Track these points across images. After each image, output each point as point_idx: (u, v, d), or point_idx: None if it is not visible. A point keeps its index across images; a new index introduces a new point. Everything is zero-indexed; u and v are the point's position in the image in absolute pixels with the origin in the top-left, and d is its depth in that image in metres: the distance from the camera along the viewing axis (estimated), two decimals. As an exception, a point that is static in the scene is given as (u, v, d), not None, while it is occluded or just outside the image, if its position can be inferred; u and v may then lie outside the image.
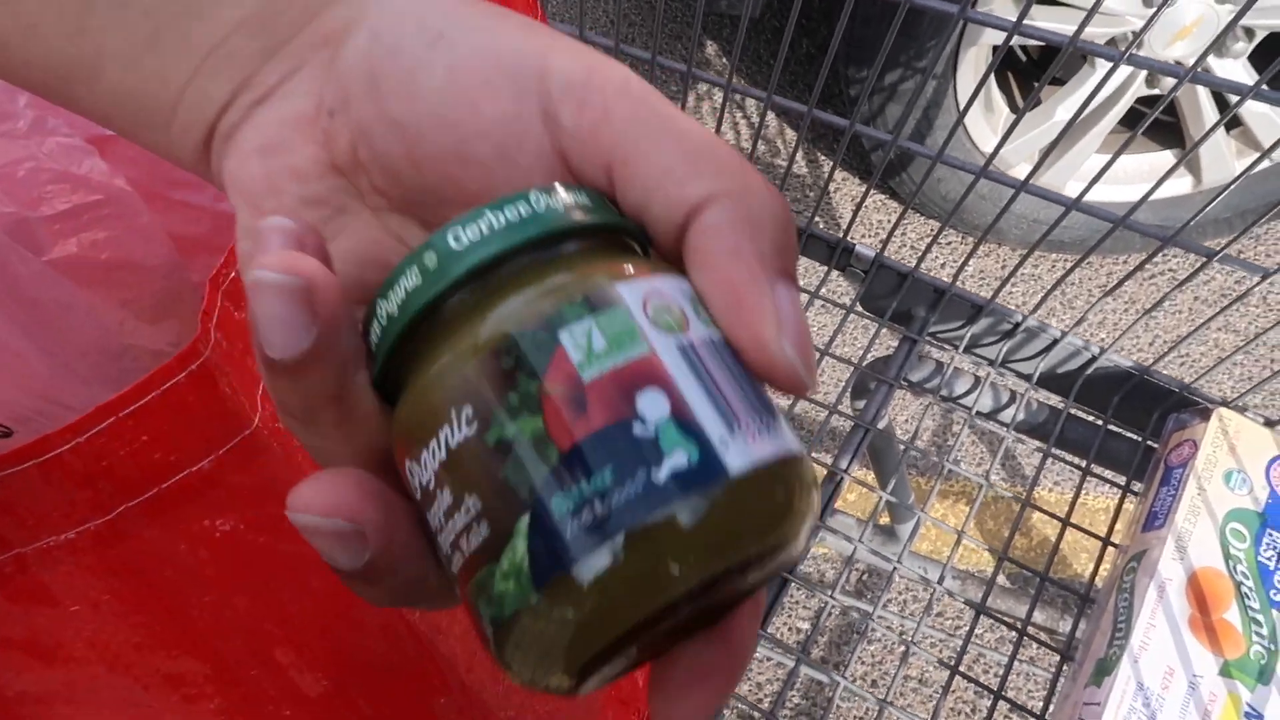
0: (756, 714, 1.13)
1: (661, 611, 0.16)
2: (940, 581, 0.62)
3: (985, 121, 1.33)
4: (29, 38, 0.19)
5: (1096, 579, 0.61)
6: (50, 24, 0.19)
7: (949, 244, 1.52)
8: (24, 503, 0.22)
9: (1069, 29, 0.51)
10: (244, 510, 0.25)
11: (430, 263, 0.17)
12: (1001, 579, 1.22)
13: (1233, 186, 0.53)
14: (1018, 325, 0.69)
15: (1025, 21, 0.51)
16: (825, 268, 0.73)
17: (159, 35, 0.19)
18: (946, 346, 0.72)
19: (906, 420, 1.34)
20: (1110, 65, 0.51)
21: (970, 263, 1.49)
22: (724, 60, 1.75)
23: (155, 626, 0.26)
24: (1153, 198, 1.33)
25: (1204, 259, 0.57)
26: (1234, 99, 0.49)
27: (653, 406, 0.16)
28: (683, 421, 0.16)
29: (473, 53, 0.19)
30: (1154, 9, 0.51)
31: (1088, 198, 0.58)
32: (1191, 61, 0.49)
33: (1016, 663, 0.60)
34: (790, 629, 1.20)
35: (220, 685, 0.28)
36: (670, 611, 0.16)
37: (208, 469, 0.24)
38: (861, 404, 0.71)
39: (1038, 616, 0.94)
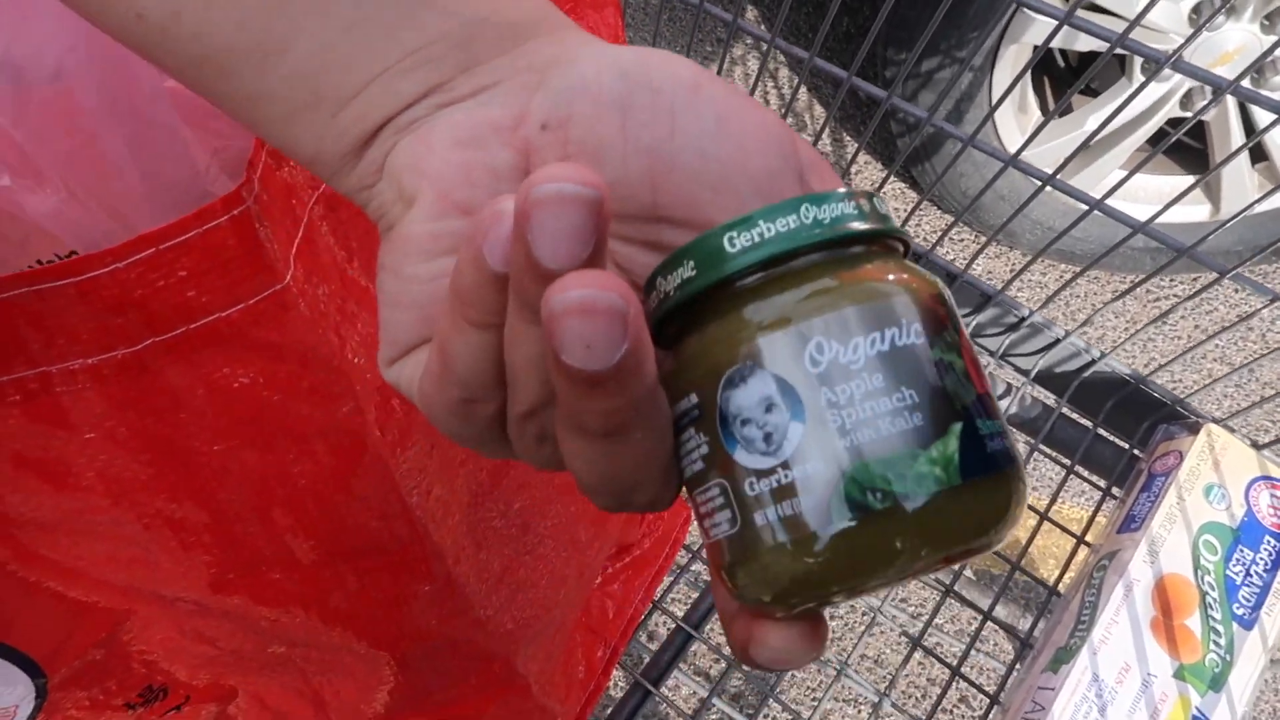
0: (713, 670, 1.15)
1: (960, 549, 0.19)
2: (913, 557, 0.63)
3: (1016, 122, 1.32)
4: (211, 6, 0.19)
5: (1064, 580, 0.62)
6: None
7: (961, 240, 1.52)
8: (57, 321, 0.23)
9: (1116, 32, 0.51)
10: (264, 365, 0.26)
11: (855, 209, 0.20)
12: (969, 573, 1.23)
13: (1248, 215, 0.53)
14: (1023, 319, 0.69)
15: (1076, 14, 0.51)
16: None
17: (361, 26, 0.20)
18: (950, 332, 0.73)
19: (896, 409, 1.35)
20: (1148, 72, 0.51)
21: (979, 262, 1.50)
22: (764, 27, 1.74)
23: (163, 465, 0.26)
24: (1171, 221, 1.34)
25: (1215, 275, 0.58)
26: (1262, 125, 0.49)
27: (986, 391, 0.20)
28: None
29: (738, 110, 0.22)
30: (1197, 26, 0.51)
31: (1110, 205, 0.58)
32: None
33: (973, 653, 0.61)
34: (755, 596, 1.22)
35: (216, 536, 0.29)
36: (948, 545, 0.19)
37: (235, 317, 0.24)
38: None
39: (1000, 612, 0.95)
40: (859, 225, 0.20)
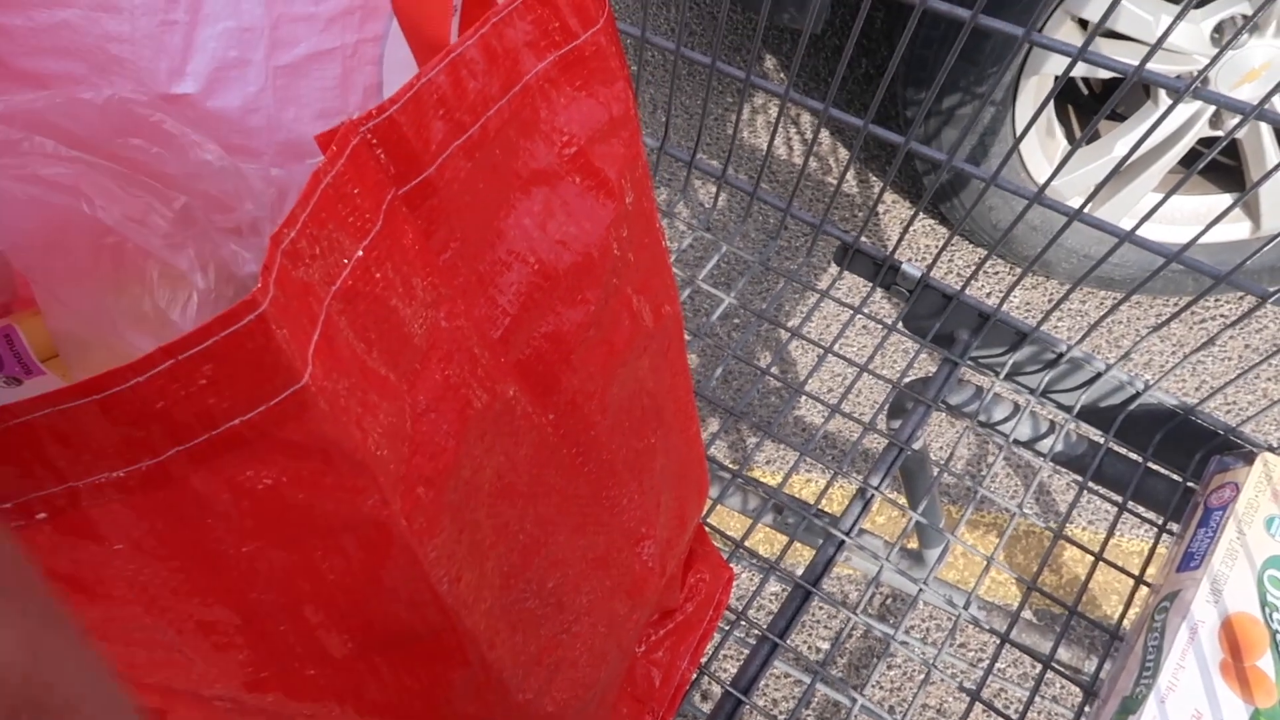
0: (768, 730, 1.12)
1: None
2: (966, 608, 0.61)
3: (1042, 152, 1.31)
4: None
5: (1126, 619, 0.60)
6: None
7: (996, 273, 1.50)
8: (82, 437, 0.23)
9: (1134, 64, 0.50)
10: (287, 464, 0.26)
11: None
12: (1028, 614, 1.20)
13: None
14: (1061, 355, 0.68)
15: (1090, 49, 0.51)
16: (869, 284, 0.73)
17: None
18: (987, 372, 0.72)
19: (941, 447, 1.33)
20: (1173, 98, 0.50)
21: (1016, 294, 1.48)
22: (782, 75, 1.75)
23: (192, 572, 0.27)
24: (1211, 241, 1.32)
25: (1259, 300, 0.56)
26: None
27: None
28: None
29: None
30: (1220, 48, 0.50)
31: (1142, 236, 0.57)
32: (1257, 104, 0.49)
33: (1038, 699, 0.59)
34: (810, 647, 1.19)
35: (250, 636, 0.29)
36: None
37: (256, 420, 0.24)
38: (897, 423, 0.71)
39: (1063, 654, 0.92)
40: None
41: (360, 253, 0.28)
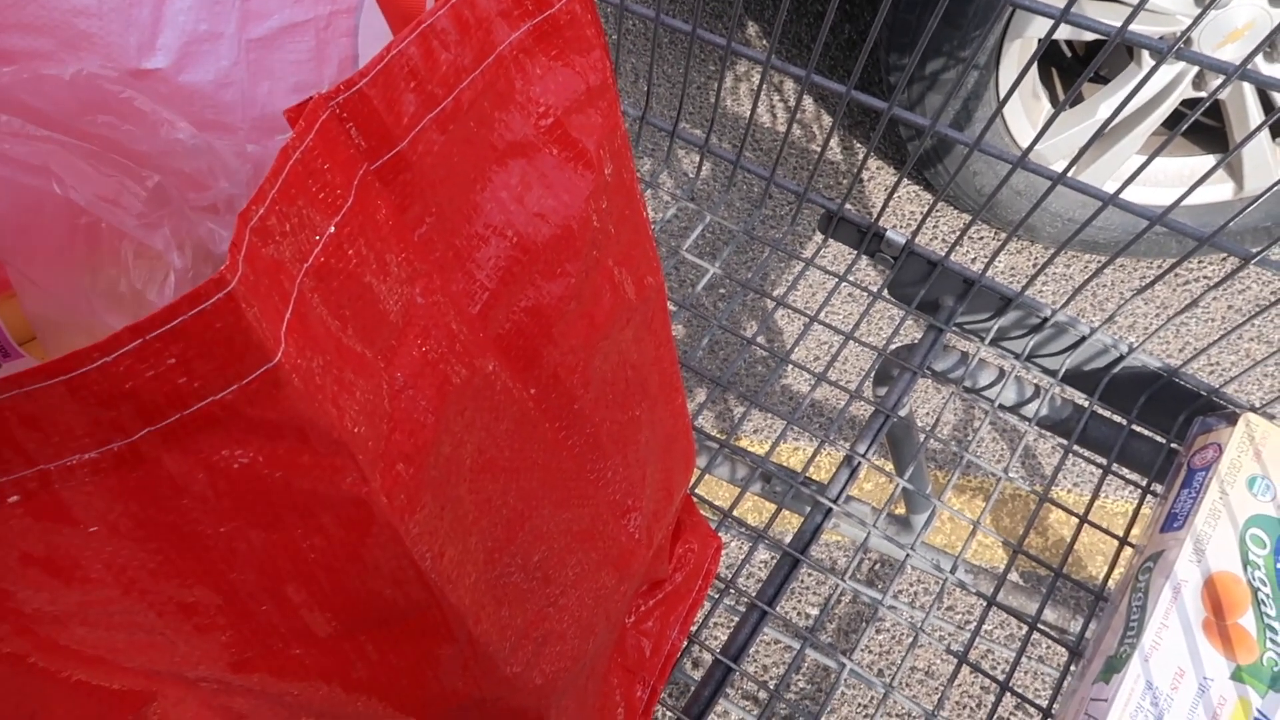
0: (761, 694, 1.13)
1: None
2: (953, 572, 0.61)
3: (1026, 117, 1.31)
4: None
5: (1111, 580, 0.60)
6: None
7: (981, 238, 1.50)
8: (50, 419, 0.22)
9: (1117, 25, 0.50)
10: (262, 445, 0.26)
11: None
12: (1014, 576, 1.21)
13: (1274, 192, 0.52)
14: (1046, 319, 0.68)
15: (1073, 11, 0.51)
16: (854, 252, 0.73)
17: None
18: (972, 338, 0.72)
19: (927, 413, 1.34)
20: (1156, 59, 0.50)
21: (1001, 259, 1.48)
22: (764, 42, 1.74)
23: (170, 553, 0.26)
24: (1194, 203, 1.32)
25: (1241, 261, 0.56)
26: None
27: None
28: None
29: None
30: (1203, 7, 0.50)
31: (1125, 199, 0.57)
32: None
33: (1024, 660, 0.60)
34: (799, 614, 1.20)
35: (232, 617, 0.29)
36: None
37: (228, 399, 0.24)
38: (883, 391, 0.71)
39: (1048, 615, 0.93)
40: None
41: (332, 229, 0.27)
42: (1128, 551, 0.61)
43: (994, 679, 0.56)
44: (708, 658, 1.01)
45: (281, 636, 0.30)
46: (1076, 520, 0.62)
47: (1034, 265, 1.47)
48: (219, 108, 0.46)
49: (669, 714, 0.55)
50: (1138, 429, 0.67)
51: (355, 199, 0.28)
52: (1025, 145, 1.31)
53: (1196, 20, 0.48)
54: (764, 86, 0.59)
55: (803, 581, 1.23)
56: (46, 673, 0.29)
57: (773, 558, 1.26)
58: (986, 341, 0.70)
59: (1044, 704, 0.56)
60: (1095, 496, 0.63)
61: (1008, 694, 0.56)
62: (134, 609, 0.27)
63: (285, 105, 0.45)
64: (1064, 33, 1.27)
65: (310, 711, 0.34)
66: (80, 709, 0.30)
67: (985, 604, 0.61)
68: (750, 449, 1.20)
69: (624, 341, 0.42)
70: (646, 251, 0.42)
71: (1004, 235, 1.49)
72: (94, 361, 0.22)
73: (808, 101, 1.67)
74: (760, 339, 1.45)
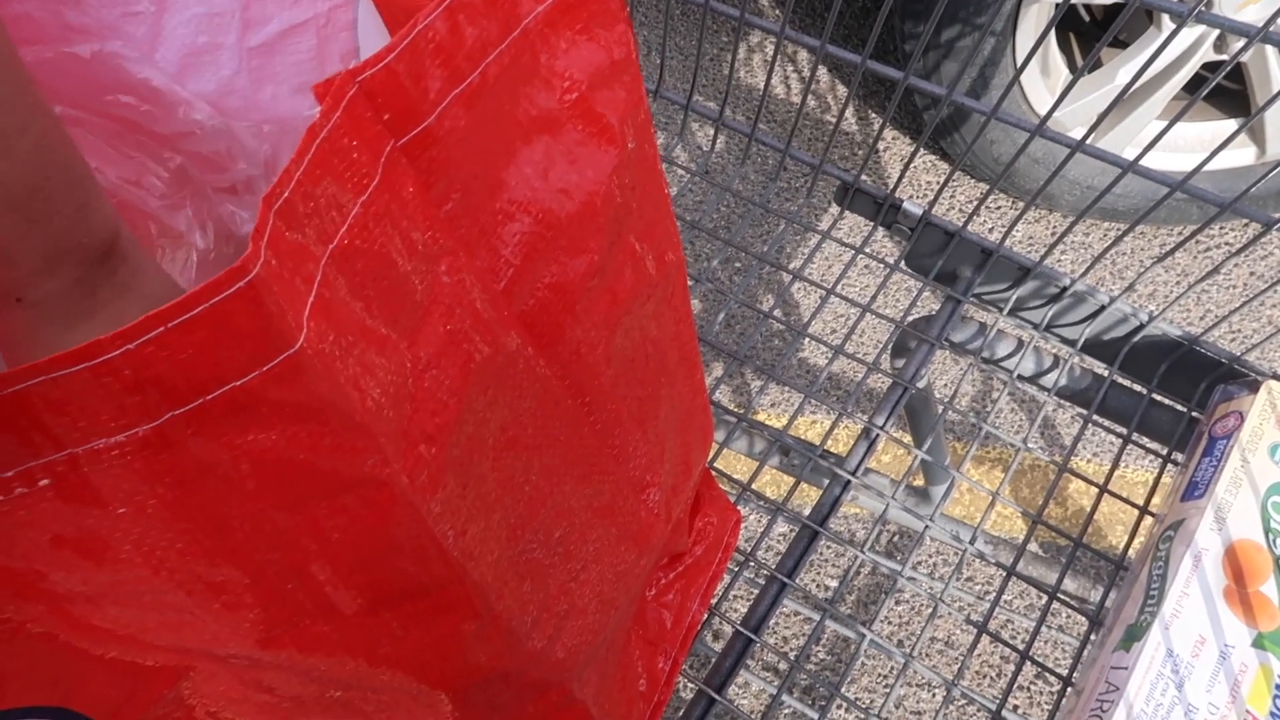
0: (781, 664, 1.14)
1: None
2: (972, 543, 0.62)
3: (1043, 83, 1.29)
4: None
5: (1131, 550, 0.60)
6: None
7: (998, 208, 1.49)
8: (77, 404, 0.23)
9: (1137, -19, 0.49)
10: (285, 428, 0.26)
11: None
12: (1034, 546, 1.21)
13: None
14: (1065, 289, 0.68)
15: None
16: (870, 224, 0.73)
17: None
18: (990, 308, 0.71)
19: (945, 385, 1.33)
20: (1177, 22, 0.49)
21: (1019, 229, 1.47)
22: (777, 12, 1.72)
23: (197, 534, 0.27)
24: (1215, 168, 1.30)
25: (1263, 226, 0.56)
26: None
27: None
28: None
29: None
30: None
31: (1145, 165, 0.56)
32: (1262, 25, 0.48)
33: (1045, 629, 0.60)
34: (818, 585, 1.21)
35: (259, 596, 0.29)
36: None
37: (251, 384, 0.24)
38: (901, 363, 0.71)
39: (1068, 585, 0.93)
40: None
41: (358, 208, 0.27)
42: (1148, 521, 0.61)
43: (1014, 648, 0.57)
44: (728, 630, 1.02)
45: (308, 614, 0.30)
46: (1096, 490, 0.62)
47: (1053, 234, 1.45)
48: (223, 114, 0.45)
49: (690, 685, 0.56)
50: (1158, 398, 0.67)
51: (382, 176, 0.28)
52: (1043, 112, 1.29)
53: (1218, -17, 0.47)
54: (778, 57, 0.59)
55: (822, 554, 1.23)
56: (81, 651, 0.29)
57: (792, 530, 1.26)
58: (1005, 312, 0.70)
59: (1064, 673, 0.56)
60: (1115, 466, 0.63)
61: (1028, 663, 0.56)
62: (163, 588, 0.27)
63: (289, 108, 0.45)
64: (1082, -4, 1.25)
65: (338, 684, 0.35)
66: (117, 685, 0.31)
67: (1005, 574, 0.61)
68: (768, 422, 1.20)
69: (644, 317, 0.42)
70: (667, 227, 0.42)
71: (1022, 204, 1.48)
72: (118, 348, 0.22)
73: (822, 72, 1.65)
74: (777, 312, 1.45)
